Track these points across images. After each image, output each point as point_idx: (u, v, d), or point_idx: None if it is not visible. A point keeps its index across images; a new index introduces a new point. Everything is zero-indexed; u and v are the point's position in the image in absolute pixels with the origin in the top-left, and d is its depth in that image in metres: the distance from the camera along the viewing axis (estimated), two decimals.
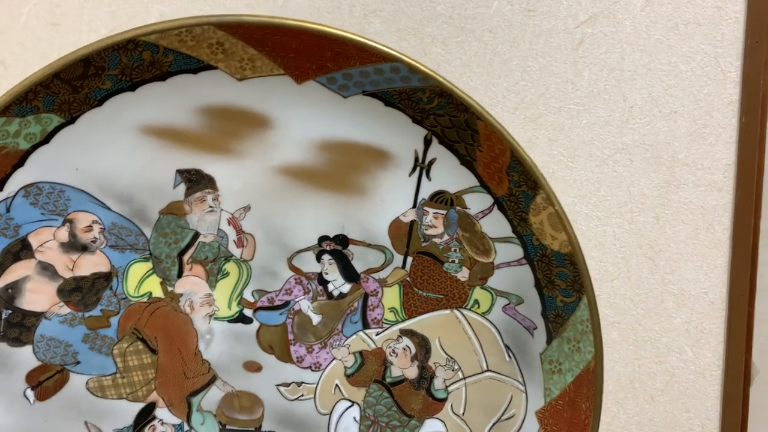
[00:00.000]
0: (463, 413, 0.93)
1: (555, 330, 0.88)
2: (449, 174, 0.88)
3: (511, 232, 0.88)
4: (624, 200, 1.12)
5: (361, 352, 0.93)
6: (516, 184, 0.84)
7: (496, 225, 0.88)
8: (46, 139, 0.83)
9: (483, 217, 0.89)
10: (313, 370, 0.93)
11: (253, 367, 0.93)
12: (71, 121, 0.83)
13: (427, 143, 0.87)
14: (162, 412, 0.93)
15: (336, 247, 0.92)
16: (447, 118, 0.84)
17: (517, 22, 1.10)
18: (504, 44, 1.09)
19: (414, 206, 0.91)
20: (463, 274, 0.92)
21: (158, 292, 0.92)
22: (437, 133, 0.86)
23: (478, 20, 1.10)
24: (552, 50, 1.08)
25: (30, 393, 0.90)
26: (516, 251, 0.89)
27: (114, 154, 0.86)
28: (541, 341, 0.89)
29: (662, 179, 1.13)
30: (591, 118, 1.10)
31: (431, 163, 0.88)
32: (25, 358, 0.89)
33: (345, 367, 0.93)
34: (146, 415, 0.93)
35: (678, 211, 1.13)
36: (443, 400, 0.93)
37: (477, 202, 0.88)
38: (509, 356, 0.91)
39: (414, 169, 0.89)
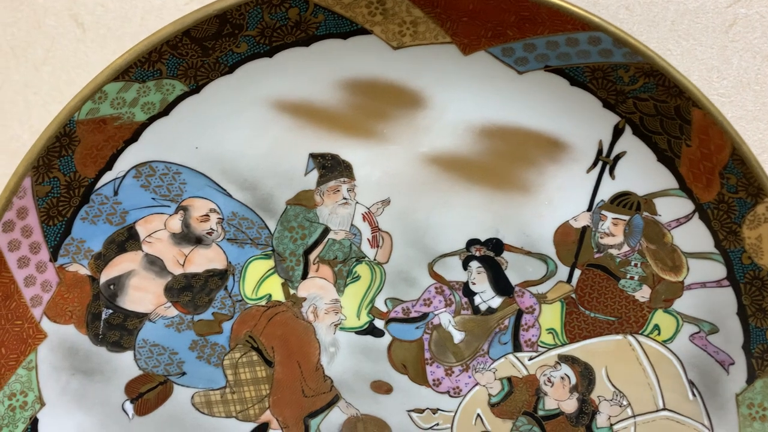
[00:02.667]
0: None
1: (760, 368, 0.73)
2: (640, 172, 0.74)
3: (714, 247, 0.73)
4: None
5: (509, 379, 0.81)
6: (731, 189, 0.69)
7: (693, 237, 0.74)
8: (166, 111, 0.71)
9: (677, 226, 0.74)
10: (451, 396, 0.81)
11: (382, 388, 0.81)
12: (196, 90, 0.71)
13: (618, 133, 0.73)
14: None
15: (487, 253, 0.79)
16: (651, 103, 0.69)
17: None
18: (641, 24, 0.93)
19: (589, 209, 0.77)
20: (643, 294, 0.77)
21: (279, 295, 0.80)
22: (633, 121, 0.72)
23: None
24: (697, 32, 0.93)
25: (129, 406, 0.79)
26: (717, 270, 0.74)
27: (240, 132, 0.74)
28: (739, 380, 0.75)
29: None
30: (737, 112, 0.94)
31: (618, 157, 0.74)
32: (125, 365, 0.79)
33: (489, 395, 0.81)
34: None
35: None
36: None
37: (672, 208, 0.74)
38: (694, 394, 0.77)
39: (594, 164, 0.75)
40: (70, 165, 0.69)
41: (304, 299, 0.81)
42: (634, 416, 0.79)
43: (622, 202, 0.76)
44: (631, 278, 0.78)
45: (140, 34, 1.04)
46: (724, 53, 0.95)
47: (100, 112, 0.67)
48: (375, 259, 0.80)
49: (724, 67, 0.95)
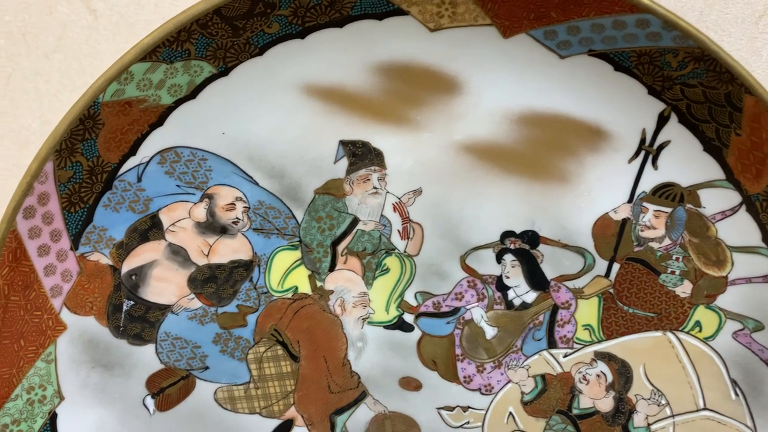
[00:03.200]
0: None
1: None
2: (685, 162, 0.71)
3: (761, 241, 0.70)
4: None
5: (543, 376, 0.78)
6: None
7: (739, 230, 0.71)
8: (193, 94, 0.68)
9: (722, 219, 0.71)
10: (482, 393, 0.79)
11: (411, 384, 0.79)
12: (225, 72, 0.68)
13: (663, 121, 0.69)
14: None
15: (523, 245, 0.76)
16: (700, 89, 0.66)
17: None
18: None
19: (630, 201, 0.73)
20: (684, 289, 0.74)
21: (305, 288, 0.77)
22: (679, 108, 0.68)
23: None
24: (726, 23, 0.90)
25: (150, 401, 0.76)
26: (764, 265, 0.71)
27: (269, 117, 0.71)
28: None
29: None
30: None
31: (662, 146, 0.71)
32: (147, 359, 0.76)
33: (522, 393, 0.78)
34: None
35: None
36: None
37: (717, 200, 0.71)
38: (736, 393, 0.74)
39: (637, 154, 0.72)
40: (94, 149, 0.66)
41: (332, 292, 0.78)
42: (672, 416, 0.76)
43: (665, 193, 0.73)
44: (672, 273, 0.75)
45: (154, 22, 1.01)
46: (753, 45, 0.92)
47: (126, 94, 0.64)
48: (405, 251, 0.77)
49: (754, 59, 0.92)
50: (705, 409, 0.76)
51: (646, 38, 0.65)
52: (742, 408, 0.74)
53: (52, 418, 0.72)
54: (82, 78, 1.02)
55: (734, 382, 0.75)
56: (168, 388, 0.76)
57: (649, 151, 0.72)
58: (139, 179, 0.70)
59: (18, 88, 1.01)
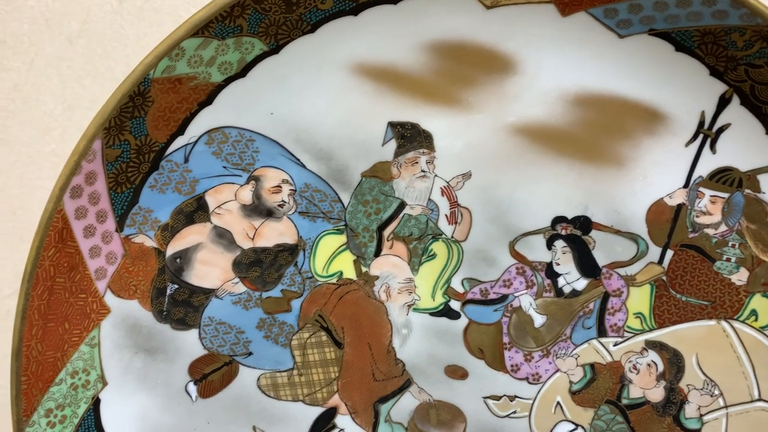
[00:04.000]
0: None
1: None
2: (745, 146, 0.69)
3: None
4: None
5: (592, 365, 0.76)
6: None
7: None
8: (243, 72, 0.66)
9: None
10: (530, 383, 0.77)
11: (457, 373, 0.77)
12: (275, 50, 0.66)
13: (724, 103, 0.67)
14: (343, 420, 0.78)
15: (574, 231, 0.74)
16: (766, 70, 0.64)
17: None
18: None
19: (686, 186, 0.71)
20: (740, 277, 0.72)
21: (350, 273, 0.76)
22: (742, 90, 0.66)
23: None
24: None
25: (192, 388, 0.75)
26: None
27: (318, 97, 0.70)
28: None
29: None
30: None
31: (722, 129, 0.69)
32: (190, 344, 0.74)
33: (571, 382, 0.77)
34: (325, 422, 0.77)
35: None
36: None
37: None
38: None
39: (694, 137, 0.70)
40: (142, 127, 0.64)
41: (377, 278, 0.76)
42: (726, 407, 0.74)
43: (723, 178, 0.71)
44: (728, 260, 0.73)
45: (179, 7, 1.00)
46: None
47: (176, 71, 0.62)
48: (452, 237, 0.75)
49: None
50: (760, 399, 0.74)
51: (712, 17, 0.63)
52: None
53: (96, 403, 0.71)
54: (106, 63, 1.00)
55: None
56: (211, 375, 0.75)
57: (707, 134, 0.70)
58: (186, 160, 0.69)
59: (41, 73, 0.99)
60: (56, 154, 1.02)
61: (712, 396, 0.75)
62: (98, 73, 1.01)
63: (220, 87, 0.66)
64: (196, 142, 0.68)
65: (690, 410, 0.76)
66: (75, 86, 1.00)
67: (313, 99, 0.69)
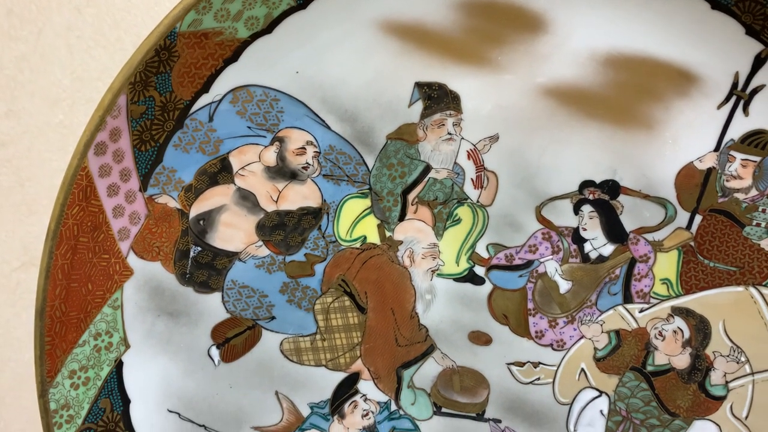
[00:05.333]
0: (747, 417, 0.74)
1: None
2: None
3: None
4: None
5: (617, 332, 0.75)
6: None
7: None
8: (269, 28, 0.65)
9: None
10: (554, 349, 0.76)
11: (480, 339, 0.76)
12: (303, 5, 0.64)
13: (759, 63, 0.66)
14: (366, 386, 0.77)
15: (602, 196, 0.73)
16: None
17: None
18: None
19: (716, 149, 0.70)
20: None
21: (374, 237, 0.75)
22: None
23: None
24: None
25: (215, 352, 0.74)
26: None
27: (345, 56, 0.68)
28: None
29: None
30: None
31: (756, 91, 0.67)
32: (212, 308, 0.74)
33: (595, 349, 0.76)
34: (348, 387, 0.76)
35: None
36: (721, 399, 0.74)
37: None
38: None
39: (727, 99, 0.68)
40: (167, 83, 0.63)
41: (401, 242, 0.75)
42: (752, 373, 0.74)
43: (755, 141, 0.70)
44: (758, 225, 0.72)
45: None
46: None
47: (203, 25, 0.61)
48: (478, 201, 0.74)
49: None
50: None
51: None
52: None
53: (118, 366, 0.70)
54: (115, 33, 0.99)
55: None
56: (233, 339, 0.74)
57: (740, 96, 0.69)
58: (211, 119, 0.67)
59: (49, 43, 0.98)
60: (65, 126, 1.00)
61: (738, 363, 0.74)
62: (108, 44, 0.99)
63: (246, 43, 0.65)
64: (220, 100, 0.67)
65: (716, 377, 0.75)
66: (84, 57, 0.98)
67: (339, 58, 0.68)
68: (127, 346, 0.70)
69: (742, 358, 0.75)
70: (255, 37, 0.65)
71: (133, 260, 0.69)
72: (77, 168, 0.60)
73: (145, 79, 0.61)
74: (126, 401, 0.71)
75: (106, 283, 0.67)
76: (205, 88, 0.65)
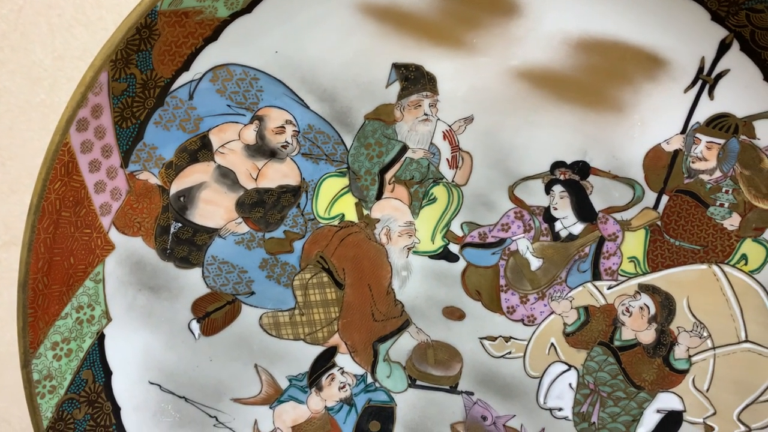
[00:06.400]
0: (708, 389, 0.77)
1: None
2: (742, 92, 0.70)
3: None
4: None
5: (586, 308, 0.78)
6: None
7: None
8: (249, 8, 0.66)
9: None
10: (525, 324, 0.79)
11: (454, 314, 0.78)
12: None
13: (724, 49, 0.68)
14: (343, 360, 0.79)
15: (573, 176, 0.75)
16: (767, 15, 0.65)
17: None
18: None
19: (683, 132, 0.73)
20: (732, 222, 0.74)
21: (351, 215, 0.76)
22: (742, 35, 0.67)
23: None
24: None
25: (195, 326, 0.76)
26: None
27: (324, 36, 0.70)
28: None
29: None
30: None
31: (720, 75, 0.70)
32: (193, 283, 0.75)
33: (565, 324, 0.78)
34: (325, 360, 0.78)
35: None
36: (683, 372, 0.77)
37: None
38: None
39: (693, 83, 0.71)
40: (148, 61, 0.64)
41: (378, 220, 0.77)
42: (714, 348, 0.77)
43: (719, 124, 0.73)
44: (721, 205, 0.75)
45: None
46: None
47: (184, 4, 0.62)
48: (453, 181, 0.76)
49: None
50: (747, 341, 0.76)
51: None
52: None
53: (100, 338, 0.72)
54: (97, 12, 0.99)
55: None
56: (213, 313, 0.76)
57: (706, 80, 0.71)
58: (191, 97, 0.68)
59: (29, 22, 0.97)
60: (46, 105, 1.00)
61: (701, 338, 0.77)
62: (89, 23, 0.99)
63: (225, 22, 0.66)
64: (200, 79, 0.68)
65: (679, 351, 0.78)
66: (65, 35, 0.98)
67: (318, 38, 0.69)
68: (109, 319, 0.72)
69: (705, 333, 0.77)
70: (235, 16, 0.66)
71: (114, 235, 0.71)
72: (59, 143, 0.61)
73: (126, 57, 0.62)
74: (108, 373, 0.73)
75: (88, 257, 0.69)
76: (186, 66, 0.67)
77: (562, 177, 0.76)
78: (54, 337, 0.67)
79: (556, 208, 0.77)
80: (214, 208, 0.73)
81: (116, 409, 0.74)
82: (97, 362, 0.72)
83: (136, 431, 0.74)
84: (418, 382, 0.79)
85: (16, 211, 0.99)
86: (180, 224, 0.72)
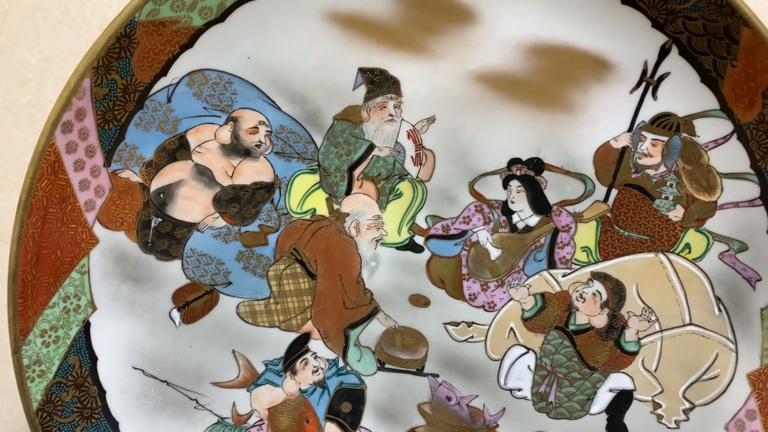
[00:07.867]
0: (656, 369, 0.82)
1: None
2: (682, 93, 0.75)
3: (749, 167, 0.75)
4: None
5: (542, 294, 0.83)
6: None
7: (729, 158, 0.76)
8: (222, 17, 0.71)
9: (715, 147, 0.76)
10: (486, 310, 0.83)
11: (420, 301, 0.83)
12: None
13: (664, 53, 0.74)
14: (316, 345, 0.84)
15: (528, 172, 0.80)
16: (701, 23, 0.70)
17: None
18: None
19: (630, 130, 0.78)
20: (677, 214, 0.79)
21: (323, 210, 0.81)
22: (680, 41, 0.73)
23: None
24: None
25: (176, 314, 0.80)
26: (750, 190, 0.76)
27: (293, 43, 0.74)
28: (765, 295, 0.77)
29: None
30: None
31: (662, 78, 0.75)
32: (173, 274, 0.80)
33: (523, 310, 0.83)
34: (299, 346, 0.83)
35: None
36: (633, 354, 0.82)
37: (711, 129, 0.75)
38: (720, 310, 0.80)
39: (638, 85, 0.76)
40: (128, 68, 0.68)
41: (347, 214, 0.82)
42: (661, 331, 0.82)
43: (663, 123, 0.78)
44: (666, 198, 0.80)
45: None
46: None
47: (160, 14, 0.66)
48: (417, 177, 0.81)
49: None
50: (691, 324, 0.81)
51: None
52: (725, 323, 0.80)
53: (86, 326, 0.76)
54: (81, 14, 1.02)
55: (718, 299, 0.80)
56: (193, 302, 0.80)
57: (649, 82, 0.76)
58: (169, 100, 0.73)
59: (15, 23, 1.00)
60: (32, 105, 1.03)
61: (649, 321, 0.82)
62: (74, 24, 1.02)
63: (200, 31, 0.70)
64: (178, 83, 0.73)
65: (629, 334, 0.83)
66: (51, 37, 1.01)
67: (288, 44, 0.74)
68: (94, 308, 0.76)
69: (653, 317, 0.83)
70: (209, 25, 0.71)
71: (98, 230, 0.75)
72: (45, 145, 0.65)
73: (107, 64, 0.67)
74: (93, 358, 0.77)
75: (74, 251, 0.73)
76: (164, 72, 0.71)
77: (518, 173, 0.81)
78: (42, 325, 0.72)
79: (513, 202, 0.82)
80: (192, 204, 0.78)
81: (102, 393, 0.78)
82: (83, 348, 0.76)
83: (121, 413, 0.79)
84: (387, 366, 0.84)
85: (4, 209, 1.02)
86: (160, 219, 0.77)
